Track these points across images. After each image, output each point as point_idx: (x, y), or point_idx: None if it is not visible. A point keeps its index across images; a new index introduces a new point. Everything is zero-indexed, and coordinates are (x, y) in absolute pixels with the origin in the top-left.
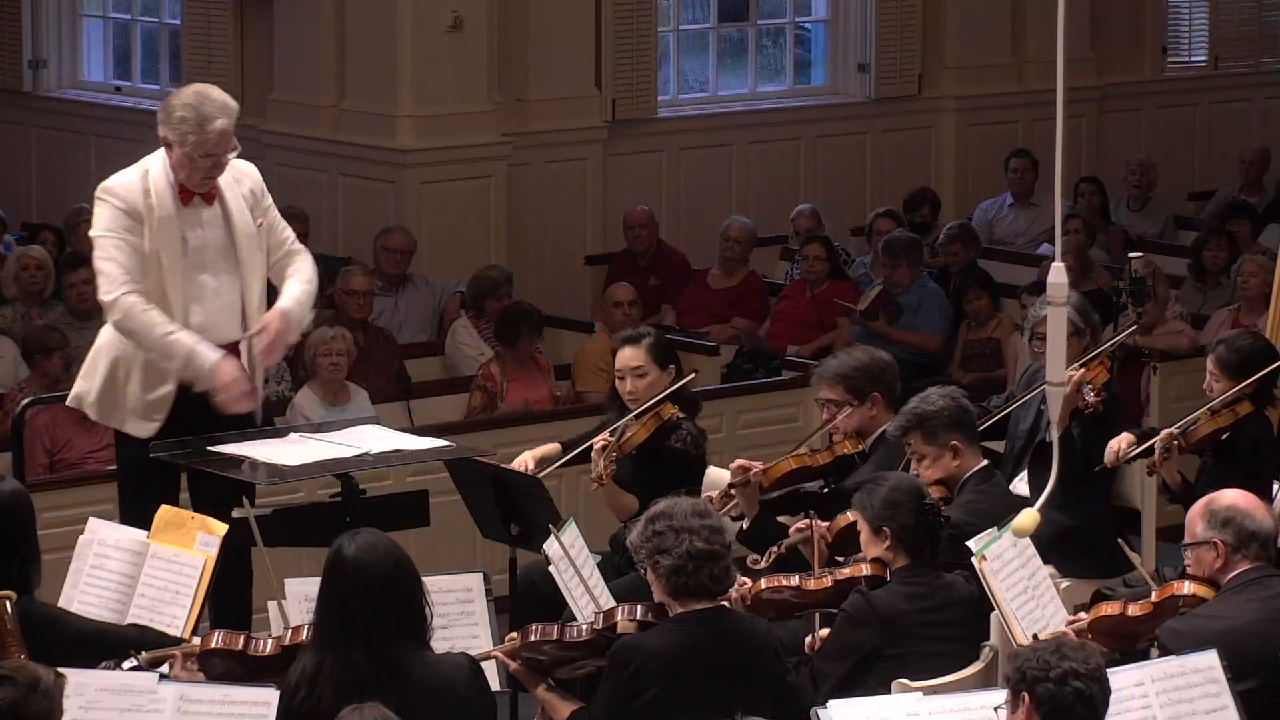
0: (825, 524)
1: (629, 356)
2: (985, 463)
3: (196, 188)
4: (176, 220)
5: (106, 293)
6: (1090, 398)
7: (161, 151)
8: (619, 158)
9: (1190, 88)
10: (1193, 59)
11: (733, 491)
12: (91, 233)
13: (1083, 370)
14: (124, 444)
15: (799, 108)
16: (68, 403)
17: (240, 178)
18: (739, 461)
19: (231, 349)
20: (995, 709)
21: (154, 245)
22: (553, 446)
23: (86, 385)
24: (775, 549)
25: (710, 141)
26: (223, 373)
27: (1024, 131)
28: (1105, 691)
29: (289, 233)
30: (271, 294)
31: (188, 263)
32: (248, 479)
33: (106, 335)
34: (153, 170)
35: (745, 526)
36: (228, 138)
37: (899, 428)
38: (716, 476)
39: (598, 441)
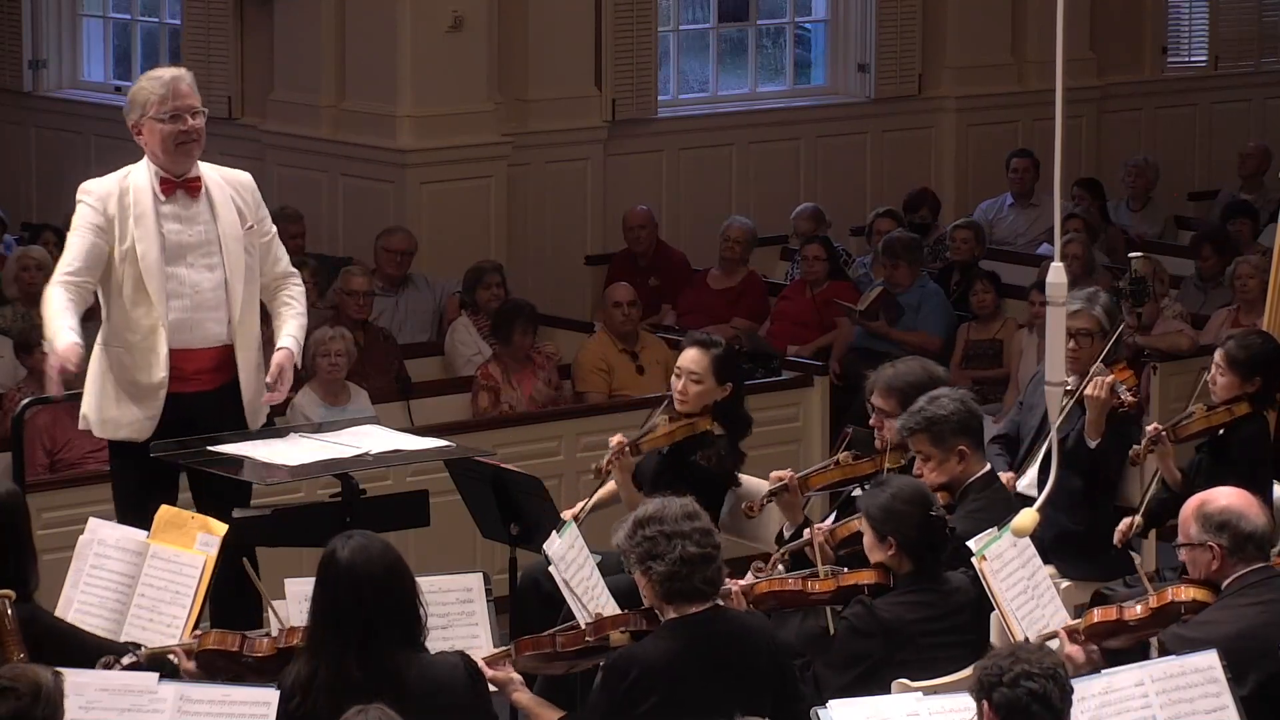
0: (829, 527)
1: (691, 359)
2: (989, 468)
3: (178, 168)
4: (154, 215)
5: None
6: (1127, 397)
7: (145, 159)
8: (619, 158)
9: (1190, 88)
10: (1193, 59)
11: (770, 500)
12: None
13: (1112, 374)
14: (117, 451)
15: (799, 108)
16: (80, 425)
17: (235, 185)
18: (775, 473)
19: (222, 352)
20: None
21: (134, 240)
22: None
23: (87, 402)
24: (778, 555)
25: (710, 141)
26: (56, 354)
27: (1024, 131)
28: (1063, 689)
29: (284, 252)
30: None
31: (165, 256)
32: (248, 479)
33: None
34: (134, 173)
35: (786, 534)
36: (192, 91)
37: (905, 428)
38: (755, 487)
39: (615, 437)
